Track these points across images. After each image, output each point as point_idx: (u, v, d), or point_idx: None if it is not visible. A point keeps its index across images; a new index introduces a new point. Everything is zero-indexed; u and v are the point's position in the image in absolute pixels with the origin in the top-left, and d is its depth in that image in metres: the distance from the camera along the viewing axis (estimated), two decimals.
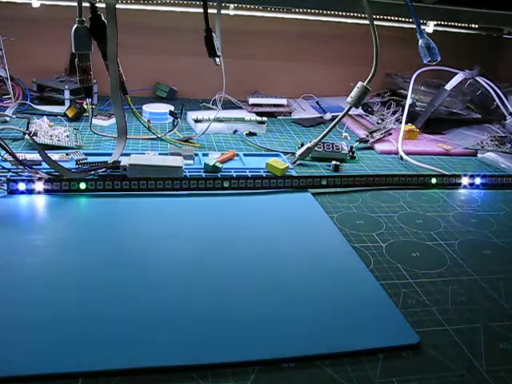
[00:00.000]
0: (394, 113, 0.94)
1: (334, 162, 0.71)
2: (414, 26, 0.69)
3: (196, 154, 0.70)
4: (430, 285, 0.45)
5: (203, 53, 0.67)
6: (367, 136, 0.85)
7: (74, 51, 0.61)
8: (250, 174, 0.65)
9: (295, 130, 0.90)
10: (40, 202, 0.54)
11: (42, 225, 0.50)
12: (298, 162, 0.72)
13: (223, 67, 0.70)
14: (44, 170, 0.58)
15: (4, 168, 0.58)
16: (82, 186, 0.56)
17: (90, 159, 0.64)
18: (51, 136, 0.70)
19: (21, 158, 0.58)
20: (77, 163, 0.63)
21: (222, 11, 0.73)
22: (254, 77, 1.06)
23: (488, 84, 0.91)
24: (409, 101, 0.88)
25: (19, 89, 0.85)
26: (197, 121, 0.82)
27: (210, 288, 0.42)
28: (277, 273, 0.44)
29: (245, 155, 0.72)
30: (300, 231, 0.53)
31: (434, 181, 0.68)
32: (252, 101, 0.94)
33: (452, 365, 0.36)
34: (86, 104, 0.82)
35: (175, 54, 1.02)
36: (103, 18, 0.60)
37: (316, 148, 0.73)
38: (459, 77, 0.90)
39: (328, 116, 0.97)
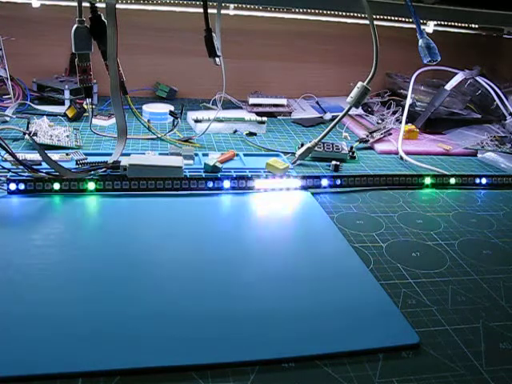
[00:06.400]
0: (394, 113, 0.94)
1: (333, 162, 0.71)
2: (414, 26, 0.69)
3: (196, 154, 0.70)
4: (430, 285, 0.45)
5: (203, 53, 0.67)
6: (367, 136, 0.85)
7: (73, 51, 0.61)
8: (250, 174, 0.65)
9: (295, 129, 0.90)
10: (40, 201, 0.54)
11: (42, 225, 0.50)
12: (298, 162, 0.72)
13: (223, 67, 0.70)
14: (44, 170, 0.58)
15: (4, 168, 0.58)
16: (82, 185, 0.56)
17: (90, 159, 0.64)
18: (51, 136, 0.70)
19: (21, 158, 0.58)
20: (77, 163, 0.63)
21: (222, 11, 0.73)
22: (254, 77, 1.06)
23: (488, 84, 0.91)
24: (409, 101, 0.88)
25: (19, 89, 0.85)
26: (197, 121, 0.82)
27: (210, 288, 0.42)
28: (276, 273, 0.44)
29: (245, 155, 0.72)
30: (300, 231, 0.53)
31: (428, 181, 0.68)
32: (252, 101, 0.94)
33: (452, 365, 0.36)
34: (86, 104, 0.82)
35: (175, 54, 1.02)
36: (103, 18, 0.60)
37: (316, 148, 0.73)
38: (459, 77, 0.90)
39: (328, 116, 0.97)
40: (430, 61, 0.68)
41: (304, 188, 0.62)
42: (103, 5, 0.58)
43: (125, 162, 0.60)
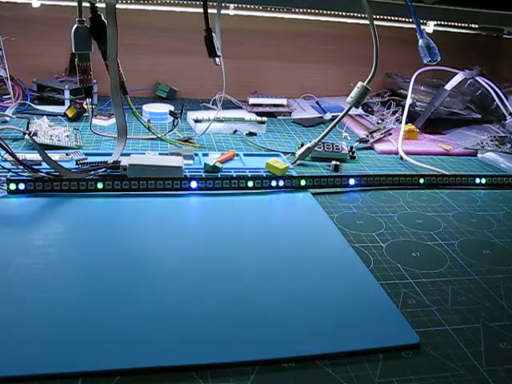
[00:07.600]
0: (394, 113, 0.94)
1: (333, 162, 0.71)
2: (414, 26, 0.69)
3: (196, 154, 0.70)
4: (429, 285, 0.45)
5: (203, 53, 0.67)
6: (367, 136, 0.85)
7: (73, 51, 0.61)
8: (250, 174, 0.65)
9: (295, 129, 0.90)
10: (40, 202, 0.54)
11: (42, 225, 0.50)
12: (298, 162, 0.72)
13: (223, 67, 0.70)
14: (44, 170, 0.58)
15: (4, 168, 0.58)
16: (82, 185, 0.56)
17: (90, 159, 0.64)
18: (51, 136, 0.70)
19: (21, 158, 0.58)
20: (77, 163, 0.63)
21: (222, 11, 0.73)
22: (254, 77, 1.06)
23: (488, 84, 0.91)
24: (409, 101, 0.88)
25: (19, 89, 0.85)
26: (197, 121, 0.82)
27: (210, 288, 0.42)
28: (277, 273, 0.44)
29: (245, 155, 0.72)
30: (300, 231, 0.53)
31: (428, 181, 0.68)
32: (252, 101, 0.94)
33: (452, 365, 0.36)
34: (86, 104, 0.82)
35: (175, 54, 1.02)
36: (103, 18, 0.60)
37: (316, 148, 0.73)
38: (459, 77, 0.90)
39: (328, 116, 0.97)
40: (430, 61, 0.68)
41: (304, 188, 0.62)
42: (103, 5, 0.58)
43: (125, 161, 0.60)
